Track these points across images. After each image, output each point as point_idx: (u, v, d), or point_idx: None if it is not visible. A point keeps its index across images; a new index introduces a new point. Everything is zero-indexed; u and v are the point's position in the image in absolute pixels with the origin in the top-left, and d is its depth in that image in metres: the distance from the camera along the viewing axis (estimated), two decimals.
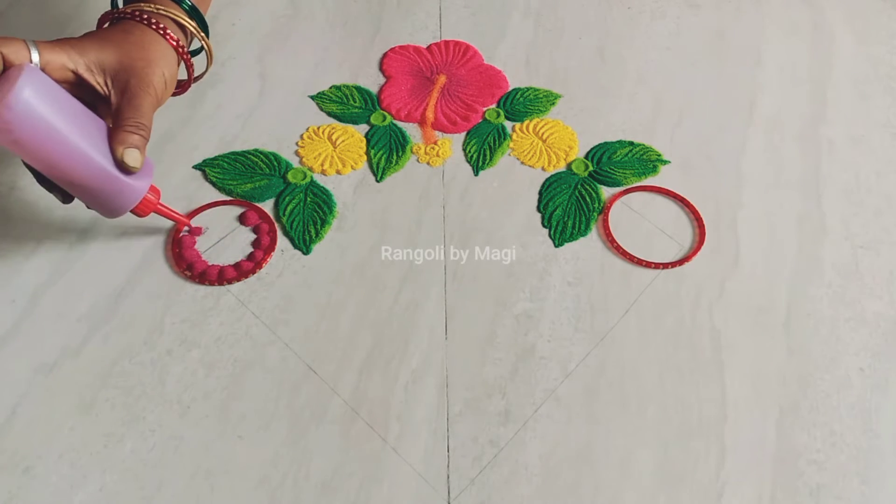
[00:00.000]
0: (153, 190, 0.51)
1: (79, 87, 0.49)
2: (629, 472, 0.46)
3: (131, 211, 0.50)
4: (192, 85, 0.56)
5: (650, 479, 0.46)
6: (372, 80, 0.68)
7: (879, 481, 0.46)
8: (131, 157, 0.47)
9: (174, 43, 0.50)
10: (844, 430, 0.48)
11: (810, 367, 0.51)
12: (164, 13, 0.51)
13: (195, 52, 0.55)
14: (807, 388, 0.50)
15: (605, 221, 0.58)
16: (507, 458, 0.47)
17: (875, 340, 0.53)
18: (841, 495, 0.46)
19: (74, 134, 0.45)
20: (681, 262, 0.56)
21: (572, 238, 0.57)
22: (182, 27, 0.52)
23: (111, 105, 0.49)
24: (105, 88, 0.49)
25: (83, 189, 0.48)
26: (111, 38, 0.49)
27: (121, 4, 0.53)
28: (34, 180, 0.58)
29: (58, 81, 0.47)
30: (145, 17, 0.50)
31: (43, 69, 0.46)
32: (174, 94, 0.54)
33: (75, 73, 0.47)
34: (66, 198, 0.51)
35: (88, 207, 0.51)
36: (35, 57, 0.45)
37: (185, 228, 0.56)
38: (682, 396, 0.49)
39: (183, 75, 0.54)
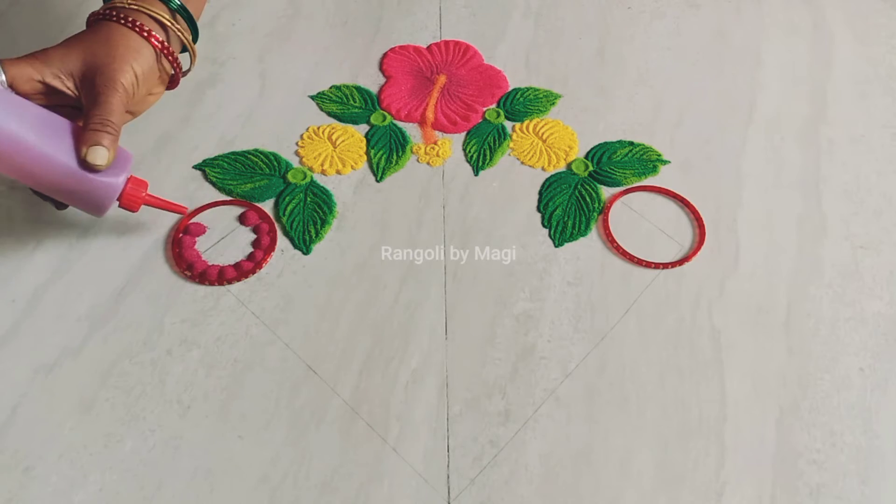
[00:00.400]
0: (137, 183, 0.51)
1: (54, 96, 0.50)
2: (629, 472, 0.46)
3: (121, 207, 0.51)
4: (184, 80, 0.56)
5: (650, 479, 0.46)
6: (372, 80, 0.68)
7: (879, 481, 0.46)
8: (94, 154, 0.47)
9: (149, 38, 0.51)
10: (844, 430, 0.48)
11: (810, 367, 0.51)
12: (137, 9, 0.51)
13: (185, 50, 0.55)
14: (807, 388, 0.50)
15: (605, 221, 0.58)
16: (507, 458, 0.47)
17: (875, 340, 0.53)
18: (841, 495, 0.46)
19: (36, 140, 0.46)
20: (681, 262, 0.56)
21: (572, 238, 0.57)
22: (161, 24, 0.52)
23: (83, 107, 0.49)
24: (75, 91, 0.49)
25: (61, 192, 0.49)
26: (77, 42, 0.50)
27: None
28: None
29: (29, 94, 0.48)
30: (114, 13, 0.51)
31: (11, 85, 0.47)
32: (168, 88, 0.55)
33: (44, 83, 0.49)
34: (59, 205, 0.52)
35: (80, 209, 0.51)
36: (0, 76, 0.47)
37: (185, 226, 0.56)
38: (682, 396, 0.49)
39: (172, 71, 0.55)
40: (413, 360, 0.50)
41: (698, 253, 0.57)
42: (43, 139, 0.46)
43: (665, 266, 0.56)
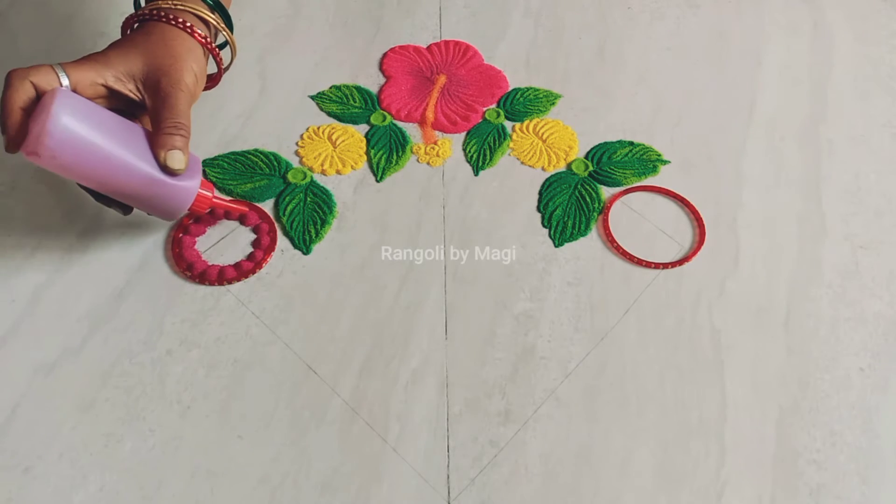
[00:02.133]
0: (206, 185, 0.52)
1: (114, 99, 0.49)
2: (629, 472, 0.46)
3: (189, 209, 0.51)
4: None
5: (650, 479, 0.46)
6: (372, 80, 0.68)
7: (879, 481, 0.46)
8: (173, 159, 0.47)
9: (198, 36, 0.51)
10: (844, 430, 0.48)
11: (810, 367, 0.51)
12: (183, 8, 0.51)
13: (221, 47, 0.55)
14: (807, 388, 0.50)
15: (605, 221, 0.58)
16: (507, 458, 0.47)
17: (875, 340, 0.53)
18: (841, 495, 0.46)
19: (116, 147, 0.46)
20: (681, 262, 0.56)
21: (572, 238, 0.57)
22: (204, 21, 0.52)
23: (148, 109, 0.49)
24: (138, 94, 0.49)
25: (137, 199, 0.48)
26: (133, 44, 0.49)
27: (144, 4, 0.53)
28: (34, 180, 0.59)
29: (91, 98, 0.47)
30: (163, 14, 0.50)
31: (74, 89, 0.46)
32: (205, 89, 0.55)
33: (106, 87, 0.48)
34: (126, 210, 0.51)
35: (149, 214, 0.51)
36: (64, 80, 0.46)
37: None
38: (682, 396, 0.49)
39: (213, 69, 0.55)
40: (413, 360, 0.50)
41: (698, 253, 0.57)
42: (123, 146, 0.46)
43: (665, 266, 0.56)
